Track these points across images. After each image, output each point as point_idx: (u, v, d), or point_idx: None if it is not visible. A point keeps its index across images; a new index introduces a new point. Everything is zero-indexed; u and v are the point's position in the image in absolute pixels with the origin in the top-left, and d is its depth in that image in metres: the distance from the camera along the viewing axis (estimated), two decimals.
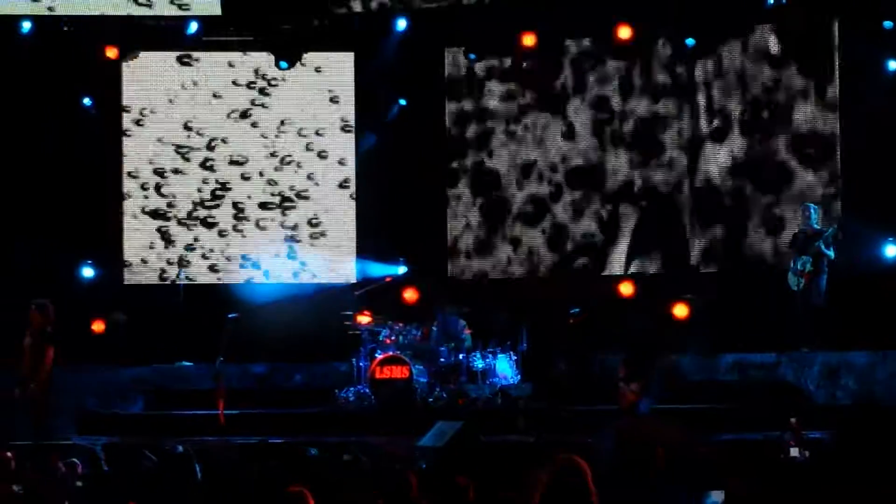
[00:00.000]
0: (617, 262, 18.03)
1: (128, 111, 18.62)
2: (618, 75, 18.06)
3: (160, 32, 18.10)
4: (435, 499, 7.27)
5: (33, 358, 14.47)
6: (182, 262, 17.64)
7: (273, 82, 18.66)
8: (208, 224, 18.66)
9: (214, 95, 18.66)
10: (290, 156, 18.72)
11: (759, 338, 15.99)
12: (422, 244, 18.12)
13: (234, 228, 18.67)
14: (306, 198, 18.73)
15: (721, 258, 17.58)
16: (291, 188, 18.73)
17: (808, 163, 17.24)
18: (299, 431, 14.21)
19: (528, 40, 17.79)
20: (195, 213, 18.64)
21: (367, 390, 15.65)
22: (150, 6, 17.70)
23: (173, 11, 17.74)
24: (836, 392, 15.08)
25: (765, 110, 17.47)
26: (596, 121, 18.17)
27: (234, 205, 18.69)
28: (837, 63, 17.08)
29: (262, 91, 18.70)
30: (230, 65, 18.66)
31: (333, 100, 18.71)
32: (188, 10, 17.76)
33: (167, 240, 18.58)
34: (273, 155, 18.72)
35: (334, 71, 18.71)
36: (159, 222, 18.60)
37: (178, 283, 17.50)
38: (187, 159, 18.67)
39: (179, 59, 18.60)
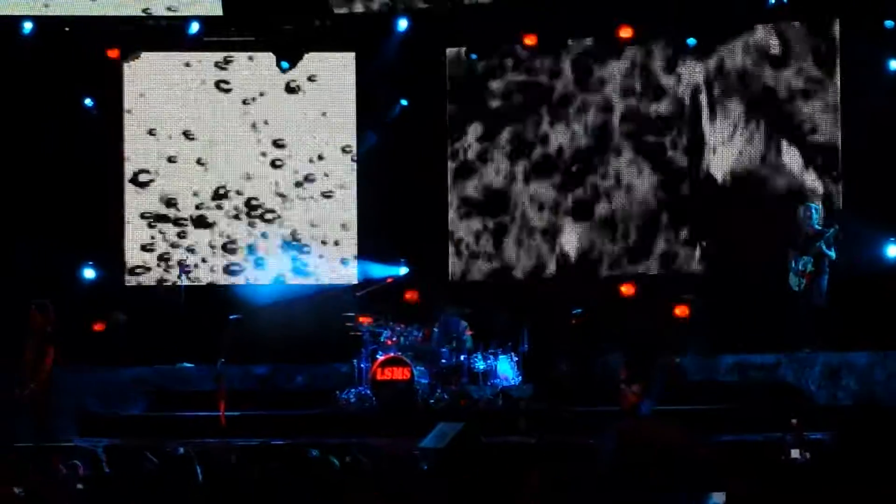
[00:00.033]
0: (619, 262, 18.03)
1: (129, 112, 18.63)
2: (619, 75, 18.06)
3: (161, 33, 18.11)
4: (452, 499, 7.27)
5: (34, 359, 14.48)
6: (183, 264, 17.63)
7: (274, 83, 18.68)
8: (210, 225, 18.67)
9: (216, 96, 18.67)
10: (291, 157, 18.73)
11: (759, 338, 15.99)
12: (423, 245, 18.12)
13: (236, 229, 18.68)
14: (308, 199, 18.73)
15: (722, 258, 17.58)
16: (293, 189, 18.73)
17: (809, 163, 17.23)
18: (300, 433, 14.21)
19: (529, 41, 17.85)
20: (196, 214, 18.65)
21: (369, 391, 15.65)
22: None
23: (174, 12, 17.74)
24: (837, 393, 15.07)
25: (766, 110, 17.47)
26: (598, 121, 18.17)
27: (236, 206, 18.70)
28: (838, 63, 17.07)
29: (263, 92, 18.71)
30: (231, 65, 18.68)
31: (335, 101, 18.72)
32: (189, 10, 17.78)
33: (168, 241, 18.59)
34: (275, 155, 18.73)
35: (336, 71, 18.72)
36: (161, 223, 18.60)
37: (179, 284, 17.49)
38: (188, 160, 18.67)
39: (181, 60, 18.61)
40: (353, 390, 15.80)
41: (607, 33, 17.82)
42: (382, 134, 18.45)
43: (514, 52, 18.39)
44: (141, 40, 18.37)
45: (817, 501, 6.06)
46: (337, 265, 18.68)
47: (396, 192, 18.33)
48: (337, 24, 18.07)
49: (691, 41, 17.44)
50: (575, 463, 7.26)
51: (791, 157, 17.32)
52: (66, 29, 17.75)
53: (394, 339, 16.07)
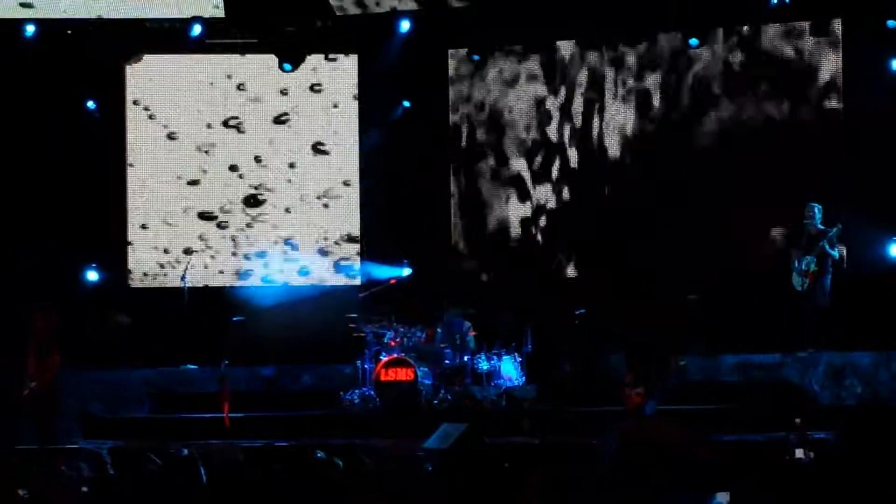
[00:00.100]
0: (621, 262, 18.04)
1: (132, 114, 18.64)
2: (621, 77, 18.07)
3: (164, 35, 18.12)
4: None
5: (38, 361, 14.51)
6: (187, 266, 17.63)
7: (276, 85, 18.69)
8: (213, 227, 18.68)
9: (218, 97, 18.68)
10: (294, 158, 18.74)
11: (763, 338, 15.98)
12: (426, 246, 18.13)
13: (239, 231, 18.69)
14: (311, 200, 18.74)
15: (724, 258, 17.58)
16: (296, 190, 18.74)
17: (810, 162, 17.22)
18: (304, 434, 14.22)
19: None
20: (200, 216, 18.66)
21: (372, 392, 15.66)
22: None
23: (176, 14, 17.75)
24: (840, 392, 15.06)
25: (768, 110, 17.46)
26: (599, 122, 18.17)
27: (239, 207, 18.71)
28: (841, 62, 17.07)
29: (265, 93, 18.72)
30: (233, 67, 18.70)
31: (337, 102, 18.74)
32: (191, 12, 17.79)
33: (172, 243, 18.60)
34: (278, 157, 18.75)
35: (338, 73, 18.74)
36: (164, 225, 18.62)
37: (182, 286, 17.50)
38: (190, 162, 18.68)
39: (183, 62, 18.62)
40: (356, 391, 15.81)
41: (609, 34, 17.83)
42: (385, 135, 18.46)
43: (515, 52, 18.40)
44: (143, 42, 18.39)
45: (822, 501, 6.06)
46: (340, 266, 18.68)
47: (400, 193, 18.34)
48: (339, 26, 18.06)
49: (693, 41, 17.42)
50: (577, 463, 7.26)
51: (793, 157, 17.31)
52: (69, 32, 17.75)
53: (397, 339, 16.07)
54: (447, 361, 16.00)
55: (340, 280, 18.63)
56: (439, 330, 16.22)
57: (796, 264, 15.81)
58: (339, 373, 16.68)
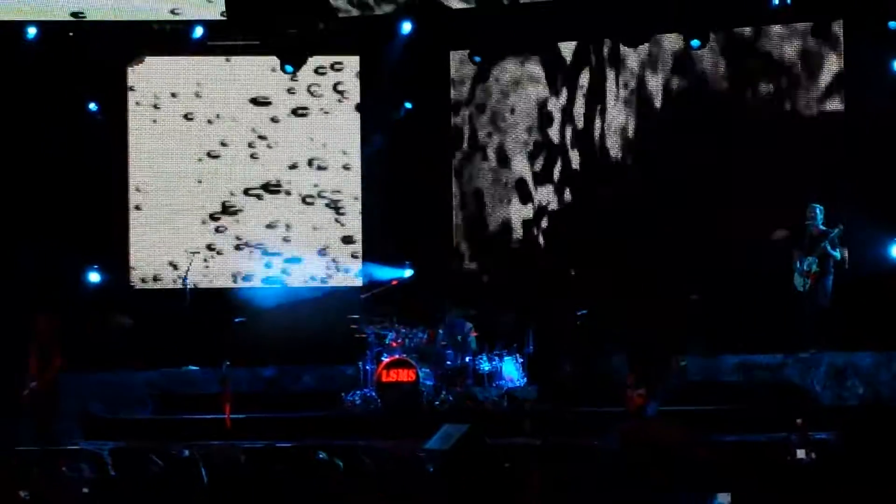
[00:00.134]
0: (622, 263, 18.04)
1: (133, 115, 18.65)
2: (622, 78, 18.07)
3: (165, 37, 18.12)
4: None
5: (39, 363, 14.52)
6: (188, 267, 17.63)
7: (278, 86, 18.70)
8: (215, 228, 18.68)
9: (220, 99, 18.69)
10: (296, 159, 18.74)
11: (764, 339, 15.97)
12: (428, 247, 18.13)
13: (241, 232, 18.69)
14: (312, 201, 18.75)
15: (725, 259, 17.58)
16: (298, 192, 18.75)
17: (811, 163, 17.22)
18: (306, 435, 14.22)
19: None
20: (201, 217, 18.66)
21: (374, 394, 15.66)
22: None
23: (177, 16, 17.75)
24: (842, 393, 15.06)
25: (770, 111, 17.46)
26: (600, 123, 18.18)
27: (241, 208, 18.71)
28: (842, 63, 17.06)
29: (267, 95, 18.73)
30: (235, 68, 18.70)
31: (340, 102, 18.74)
32: (192, 14, 17.80)
33: (174, 244, 18.60)
34: (279, 158, 18.75)
35: (340, 74, 18.75)
36: (166, 226, 18.62)
37: (184, 287, 17.49)
38: (192, 164, 18.69)
39: (185, 64, 18.63)
40: (358, 392, 15.82)
41: (613, 35, 17.85)
42: (386, 136, 18.46)
43: (517, 54, 18.41)
44: (145, 44, 18.39)
45: (823, 502, 6.06)
46: (341, 267, 18.69)
47: (401, 194, 18.34)
48: (341, 27, 18.07)
49: (695, 42, 17.41)
50: (578, 464, 7.26)
51: (795, 158, 17.30)
52: (71, 33, 17.76)
53: (399, 340, 16.07)
54: (449, 362, 16.00)
55: (342, 281, 18.63)
56: (441, 331, 16.22)
57: (798, 265, 15.81)
58: (341, 374, 16.68)
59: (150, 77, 18.72)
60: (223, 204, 18.71)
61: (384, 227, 18.43)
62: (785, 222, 17.13)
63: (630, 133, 18.06)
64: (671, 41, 17.81)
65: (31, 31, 17.55)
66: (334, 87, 18.81)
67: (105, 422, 15.59)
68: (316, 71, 18.65)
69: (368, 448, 10.40)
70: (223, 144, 18.72)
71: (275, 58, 18.35)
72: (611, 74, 18.13)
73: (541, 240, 18.46)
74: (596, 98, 18.20)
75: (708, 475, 6.72)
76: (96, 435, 14.89)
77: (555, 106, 18.37)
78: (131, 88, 18.63)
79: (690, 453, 6.72)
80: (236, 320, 16.51)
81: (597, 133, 18.20)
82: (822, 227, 15.76)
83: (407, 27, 17.84)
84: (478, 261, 18.67)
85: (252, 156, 18.75)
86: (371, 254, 18.42)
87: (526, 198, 18.50)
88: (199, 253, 18.39)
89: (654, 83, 17.94)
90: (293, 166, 18.76)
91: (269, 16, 17.88)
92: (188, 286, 17.31)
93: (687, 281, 17.23)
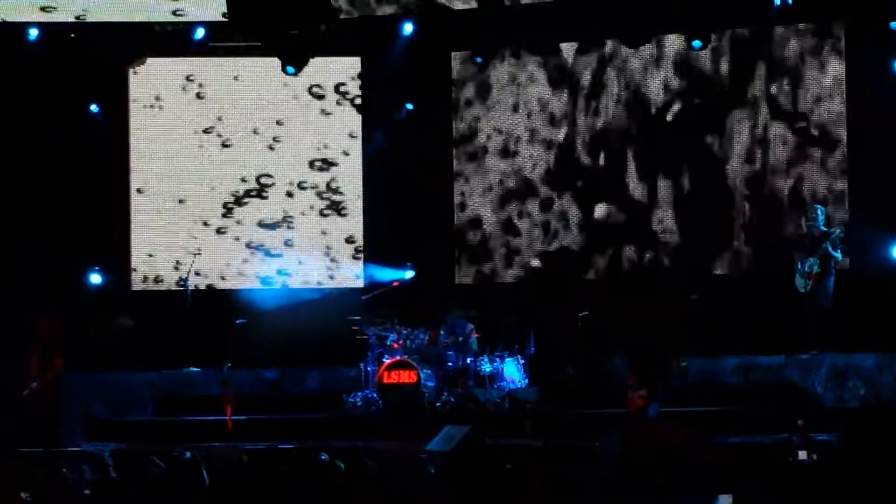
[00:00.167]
0: (624, 264, 18.04)
1: (135, 117, 18.65)
2: (624, 79, 18.06)
3: (167, 38, 18.12)
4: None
5: (41, 364, 14.53)
6: (190, 268, 17.63)
7: (280, 87, 18.70)
8: (216, 229, 18.68)
9: (222, 100, 18.69)
10: (297, 161, 18.74)
11: (766, 340, 15.96)
12: (429, 248, 18.13)
13: (242, 233, 18.69)
14: (314, 202, 18.75)
15: (729, 260, 17.58)
16: (299, 193, 18.75)
17: (814, 163, 17.21)
18: (307, 436, 14.23)
19: None
20: (203, 219, 18.66)
21: (375, 395, 15.66)
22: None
23: (179, 18, 17.75)
24: (844, 394, 15.04)
25: (771, 111, 17.45)
26: (602, 123, 18.18)
27: (243, 210, 18.71)
28: (844, 64, 17.06)
29: (268, 96, 18.73)
30: (237, 70, 18.71)
31: (340, 103, 18.75)
32: (194, 15, 17.79)
33: (175, 245, 18.60)
34: (281, 160, 18.75)
35: (342, 75, 18.75)
36: (167, 228, 18.62)
37: (186, 288, 17.50)
38: (194, 165, 18.69)
39: (186, 65, 18.64)
40: (359, 394, 15.81)
41: (615, 36, 17.85)
42: (388, 137, 18.46)
43: (519, 55, 18.41)
44: (146, 46, 18.39)
45: (825, 503, 6.06)
46: (343, 269, 18.69)
47: (403, 195, 18.34)
48: (343, 29, 18.06)
49: (696, 44, 17.40)
50: (579, 465, 7.26)
51: (797, 159, 17.30)
52: (72, 35, 17.76)
53: (400, 342, 16.07)
54: (450, 364, 15.99)
55: (343, 282, 18.63)
56: (442, 332, 16.21)
57: (799, 266, 15.80)
58: (342, 375, 16.67)
59: (151, 78, 18.71)
60: (224, 205, 18.71)
61: (385, 229, 18.43)
62: (786, 223, 17.15)
63: (632, 133, 18.04)
64: (673, 42, 17.79)
65: (33, 33, 17.55)
66: (336, 89, 18.81)
67: (107, 423, 15.59)
68: (317, 72, 18.63)
69: (370, 449, 10.40)
70: (224, 146, 18.72)
71: (276, 59, 18.37)
72: (613, 75, 18.11)
73: (542, 240, 18.44)
74: (597, 98, 18.19)
75: (709, 477, 6.71)
76: (98, 436, 14.89)
77: (556, 106, 18.36)
78: (132, 90, 18.64)
79: (692, 455, 6.71)
80: (237, 322, 16.50)
81: (599, 133, 18.19)
82: (823, 229, 15.75)
83: (408, 28, 17.84)
84: (478, 263, 18.67)
85: (254, 157, 18.73)
86: (372, 255, 18.41)
87: (528, 197, 18.48)
88: (200, 254, 18.38)
89: (656, 83, 17.92)
90: (295, 168, 18.75)
91: (270, 17, 17.88)
92: (189, 287, 17.31)
93: (687, 281, 17.24)
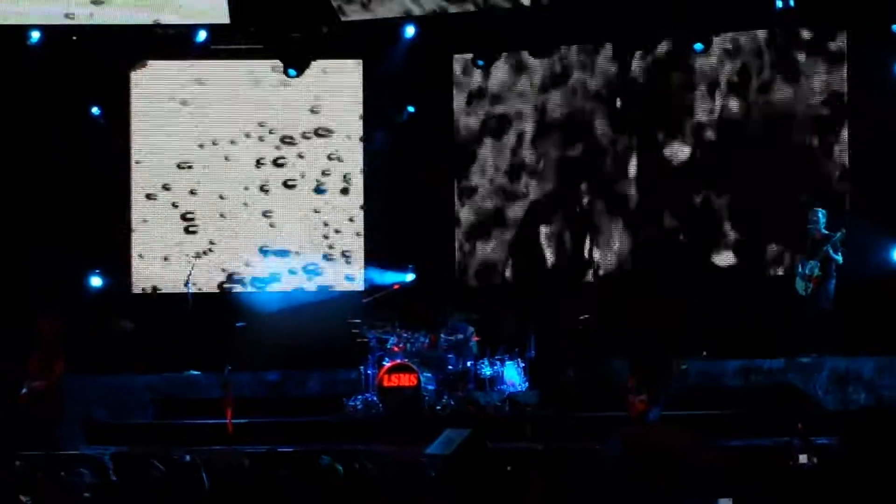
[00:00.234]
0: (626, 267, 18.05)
1: (136, 120, 18.66)
2: (625, 80, 18.06)
3: (168, 41, 18.13)
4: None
5: (42, 366, 14.54)
6: (191, 271, 17.64)
7: (282, 90, 18.71)
8: (217, 232, 18.68)
9: (223, 103, 18.70)
10: (298, 163, 18.75)
11: (766, 343, 15.95)
12: (430, 251, 18.13)
13: (243, 236, 18.70)
14: (315, 205, 18.76)
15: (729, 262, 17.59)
16: (300, 196, 18.76)
17: (816, 166, 17.22)
18: (307, 440, 14.22)
19: None
20: (204, 221, 18.67)
21: (375, 398, 15.66)
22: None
23: (181, 20, 17.75)
24: (844, 397, 15.03)
25: (773, 114, 17.44)
26: (604, 125, 18.18)
27: (244, 213, 18.72)
28: (846, 67, 17.06)
29: (270, 99, 18.74)
30: (238, 72, 18.72)
31: (343, 107, 18.76)
32: (196, 18, 17.79)
33: (176, 248, 18.60)
34: (282, 162, 18.75)
35: (343, 78, 18.75)
36: (168, 231, 18.62)
37: (186, 291, 17.50)
38: (195, 168, 18.69)
39: (188, 68, 18.64)
40: (359, 397, 15.81)
41: (616, 39, 17.86)
42: (389, 140, 18.47)
43: (520, 58, 18.41)
44: (148, 49, 18.40)
45: None
46: (344, 272, 18.69)
47: (404, 198, 18.35)
48: (344, 31, 18.06)
49: (698, 46, 17.41)
50: (580, 468, 7.25)
51: (798, 161, 17.30)
52: (73, 38, 17.76)
53: (400, 345, 16.07)
54: (450, 367, 16.00)
55: (344, 285, 18.63)
56: (442, 335, 16.21)
57: (800, 269, 15.81)
58: (343, 378, 16.67)
59: (153, 81, 18.72)
60: (226, 208, 18.70)
61: (386, 232, 18.43)
62: (787, 226, 17.15)
63: (633, 136, 18.04)
64: (675, 45, 17.79)
65: (35, 36, 17.56)
66: (337, 91, 18.80)
67: (107, 426, 15.59)
68: (318, 75, 18.64)
69: (370, 453, 10.40)
70: (226, 149, 18.71)
71: (278, 61, 18.38)
72: (614, 77, 18.11)
73: (544, 242, 18.44)
74: (599, 100, 18.19)
75: (710, 480, 6.70)
76: (98, 440, 14.89)
77: (558, 108, 18.35)
78: (134, 93, 18.64)
79: (692, 458, 6.70)
80: (238, 325, 16.50)
81: (600, 136, 18.19)
82: (824, 231, 15.75)
83: (410, 31, 17.85)
84: (479, 266, 18.67)
85: (255, 160, 18.74)
86: (373, 258, 18.41)
87: (529, 200, 18.49)
88: (201, 257, 18.39)
89: (657, 86, 17.92)
90: (297, 170, 18.76)
91: (272, 20, 17.90)
92: (190, 290, 17.31)
93: (688, 283, 17.26)
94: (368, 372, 15.96)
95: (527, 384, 16.07)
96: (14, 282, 17.46)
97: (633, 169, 18.05)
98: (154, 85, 18.71)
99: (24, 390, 14.63)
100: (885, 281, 16.00)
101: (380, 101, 18.58)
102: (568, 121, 18.31)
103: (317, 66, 18.47)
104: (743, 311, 16.60)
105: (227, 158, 18.71)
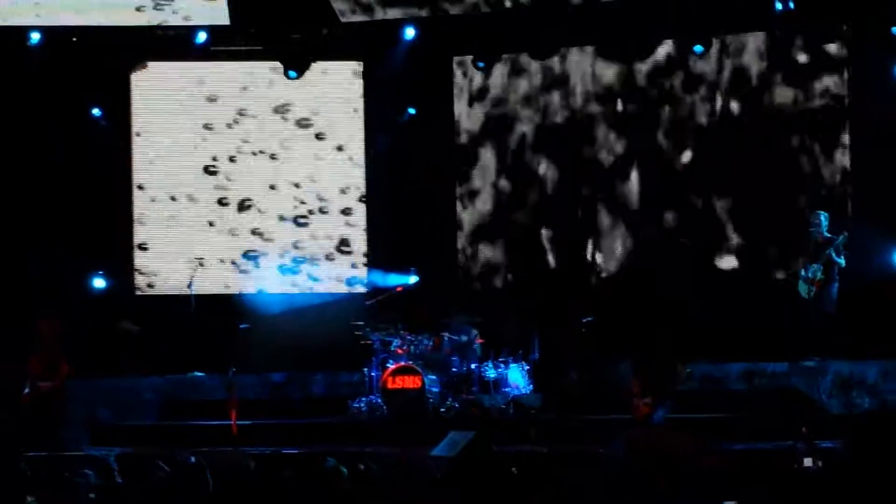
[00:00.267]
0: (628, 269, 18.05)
1: (137, 121, 18.66)
2: (626, 84, 18.06)
3: (169, 42, 18.13)
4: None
5: (44, 368, 14.56)
6: (194, 273, 17.65)
7: (283, 91, 18.71)
8: (220, 234, 18.68)
9: (223, 105, 18.70)
10: (300, 166, 18.75)
11: (770, 346, 15.95)
12: (432, 254, 18.13)
13: (246, 239, 18.69)
14: (317, 208, 18.75)
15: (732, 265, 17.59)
16: (302, 197, 18.75)
17: (818, 169, 17.21)
18: (312, 441, 14.23)
19: None
20: (206, 223, 18.67)
21: (380, 400, 15.65)
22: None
23: (181, 21, 17.74)
24: (848, 401, 15.03)
25: (774, 116, 17.45)
26: (605, 128, 18.18)
27: (246, 215, 18.71)
28: (846, 69, 17.06)
29: (272, 100, 18.75)
30: (239, 74, 18.72)
31: (344, 109, 18.76)
32: (197, 20, 17.79)
33: (178, 250, 18.60)
34: (283, 165, 18.76)
35: (344, 80, 18.76)
36: (171, 232, 18.62)
37: (190, 293, 17.50)
38: (196, 169, 18.69)
39: (189, 69, 18.65)
40: (363, 399, 15.80)
41: (617, 41, 17.85)
42: (390, 142, 18.47)
43: (521, 60, 18.41)
44: (148, 50, 18.40)
45: None
46: (347, 274, 18.69)
47: (406, 200, 18.34)
48: (344, 33, 18.06)
49: (698, 48, 17.40)
50: (584, 471, 7.26)
51: (801, 165, 17.29)
52: (74, 39, 17.77)
53: (404, 347, 16.07)
54: (454, 369, 15.99)
55: (347, 287, 18.63)
56: (446, 338, 16.21)
57: (803, 272, 15.80)
58: (347, 381, 16.67)
59: (153, 82, 18.72)
60: (228, 210, 18.70)
61: (389, 234, 18.43)
62: (790, 229, 17.15)
63: (635, 139, 18.04)
64: (674, 47, 17.78)
65: (35, 37, 17.55)
66: (338, 94, 18.80)
67: (111, 428, 15.60)
68: (319, 76, 18.63)
69: (374, 455, 10.41)
70: (227, 150, 18.71)
71: (278, 63, 18.38)
72: (615, 80, 18.10)
73: (546, 244, 18.44)
74: (599, 103, 18.18)
75: (714, 483, 6.71)
76: (103, 441, 14.90)
77: (558, 111, 18.35)
78: (134, 94, 18.65)
79: (696, 461, 6.71)
80: (241, 326, 16.50)
81: (602, 139, 18.18)
82: (826, 235, 15.73)
83: (410, 33, 17.83)
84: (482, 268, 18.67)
85: (257, 161, 18.74)
86: (376, 260, 18.40)
87: (530, 202, 18.48)
88: (204, 258, 18.40)
89: (657, 89, 17.91)
90: (298, 172, 18.75)
91: (272, 21, 17.90)
92: (193, 292, 17.31)
93: (691, 286, 17.27)
94: (372, 374, 15.95)
95: (531, 387, 16.07)
96: (15, 282, 17.46)
97: (634, 172, 18.04)
98: (154, 86, 18.70)
99: (26, 390, 14.65)
100: (887, 284, 15.99)
101: (380, 103, 18.57)
102: (569, 123, 18.30)
103: (317, 67, 18.46)
104: (746, 314, 16.59)
105: (229, 160, 18.69)
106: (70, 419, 14.73)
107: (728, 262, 17.60)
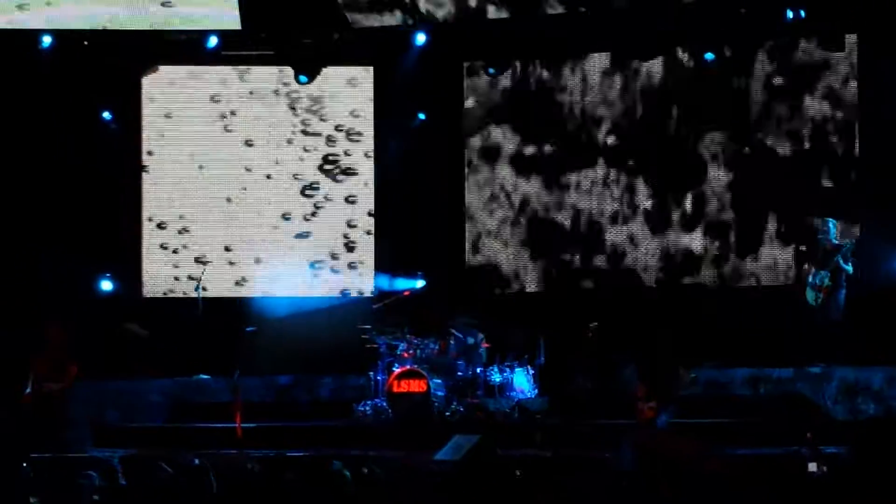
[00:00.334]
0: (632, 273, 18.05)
1: (147, 125, 18.69)
2: (635, 89, 18.06)
3: (179, 46, 18.16)
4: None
5: (54, 369, 14.58)
6: (201, 276, 17.67)
7: (293, 95, 18.74)
8: (228, 237, 18.70)
9: (234, 109, 18.73)
10: (308, 170, 18.77)
11: (775, 352, 15.93)
12: (440, 258, 18.14)
13: (254, 241, 18.72)
14: (325, 211, 18.77)
15: (741, 272, 17.58)
16: (310, 201, 18.77)
17: (826, 177, 17.20)
18: (316, 445, 14.23)
19: None
20: (214, 226, 18.69)
21: (385, 404, 15.66)
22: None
23: (191, 26, 17.77)
24: (854, 407, 15.00)
25: (783, 124, 17.44)
26: (614, 133, 18.18)
27: (254, 218, 18.74)
28: (856, 76, 17.05)
29: (281, 104, 18.77)
30: (249, 78, 18.74)
31: (353, 114, 18.77)
32: (207, 24, 17.82)
33: (186, 253, 18.63)
34: (292, 168, 18.78)
35: (354, 85, 18.77)
36: (179, 235, 18.65)
37: (196, 296, 17.53)
38: (205, 172, 18.71)
39: (199, 73, 18.68)
40: (369, 402, 15.81)
41: (623, 47, 17.86)
42: (400, 146, 18.48)
43: (531, 66, 18.42)
44: (159, 54, 18.44)
45: None
46: (354, 278, 18.70)
47: (414, 205, 18.36)
48: (356, 38, 18.08)
49: (709, 55, 17.40)
50: (589, 475, 7.26)
51: (808, 171, 17.29)
52: (85, 42, 17.80)
53: (410, 351, 16.07)
54: (460, 373, 16.00)
55: (354, 291, 18.64)
56: (452, 342, 16.21)
57: (810, 279, 15.78)
58: (352, 384, 16.68)
59: (164, 86, 18.76)
60: (236, 213, 18.72)
61: (397, 238, 18.44)
62: (798, 235, 17.15)
63: (643, 144, 18.04)
64: (685, 54, 17.79)
65: (46, 40, 17.59)
66: (348, 99, 18.82)
67: (116, 429, 15.61)
68: (329, 81, 18.66)
69: (379, 458, 10.41)
70: (236, 153, 18.74)
71: (289, 68, 18.41)
72: (624, 85, 18.11)
73: (552, 248, 18.45)
74: (609, 107, 18.19)
75: (718, 488, 6.70)
76: (107, 442, 14.91)
77: (568, 116, 18.35)
78: (145, 97, 18.68)
79: (700, 466, 6.70)
80: (248, 329, 16.52)
81: (611, 143, 18.19)
82: (834, 241, 15.73)
83: (421, 38, 17.85)
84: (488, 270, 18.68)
85: (266, 165, 18.76)
86: (383, 264, 18.41)
87: (538, 206, 18.48)
88: (211, 262, 18.42)
89: (667, 95, 17.91)
90: (306, 176, 18.78)
91: (283, 26, 17.92)
92: (200, 295, 17.33)
93: (696, 292, 17.27)
94: (378, 378, 15.96)
95: (536, 391, 16.07)
96: (25, 284, 17.48)
97: (643, 176, 18.04)
98: (165, 90, 18.73)
99: (27, 391, 14.66)
100: (894, 291, 15.95)
101: (391, 108, 18.59)
102: (578, 128, 18.30)
103: (328, 72, 18.48)
104: (752, 320, 16.58)
105: (238, 164, 18.72)
106: (74, 420, 14.73)
107: (734, 268, 17.60)
